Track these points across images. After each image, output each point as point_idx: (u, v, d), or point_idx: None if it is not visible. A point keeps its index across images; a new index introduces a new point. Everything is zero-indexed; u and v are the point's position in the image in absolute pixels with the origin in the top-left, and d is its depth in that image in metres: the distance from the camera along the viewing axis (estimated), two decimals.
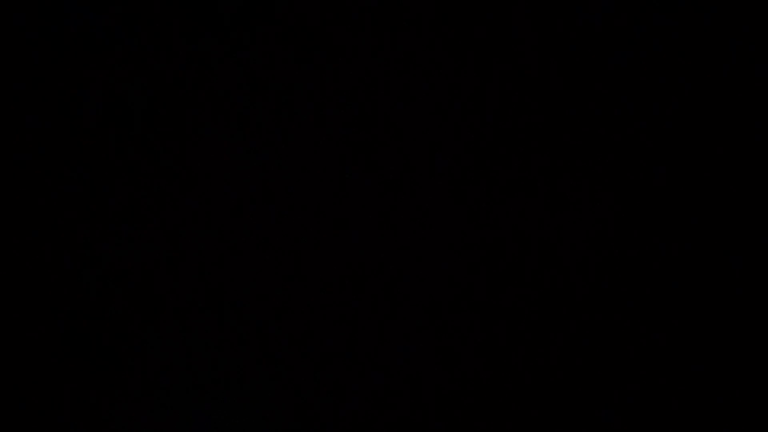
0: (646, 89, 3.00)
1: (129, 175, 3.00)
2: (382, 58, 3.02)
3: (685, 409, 2.94)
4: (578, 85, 3.00)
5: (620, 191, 2.99)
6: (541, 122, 3.00)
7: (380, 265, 2.99)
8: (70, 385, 2.96)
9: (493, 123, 3.00)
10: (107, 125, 3.01)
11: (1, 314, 2.98)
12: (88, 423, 2.96)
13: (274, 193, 3.00)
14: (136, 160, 3.00)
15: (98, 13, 3.00)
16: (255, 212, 3.00)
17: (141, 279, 2.98)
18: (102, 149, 3.01)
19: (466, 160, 3.00)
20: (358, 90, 3.01)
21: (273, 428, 2.96)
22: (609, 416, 2.95)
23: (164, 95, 3.01)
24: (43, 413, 2.96)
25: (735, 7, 2.99)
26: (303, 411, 2.97)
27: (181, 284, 2.98)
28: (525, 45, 3.00)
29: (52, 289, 2.98)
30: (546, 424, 2.95)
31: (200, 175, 3.01)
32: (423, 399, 2.97)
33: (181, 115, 3.01)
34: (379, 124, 3.01)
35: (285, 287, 2.99)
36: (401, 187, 3.00)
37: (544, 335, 2.97)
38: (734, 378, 2.95)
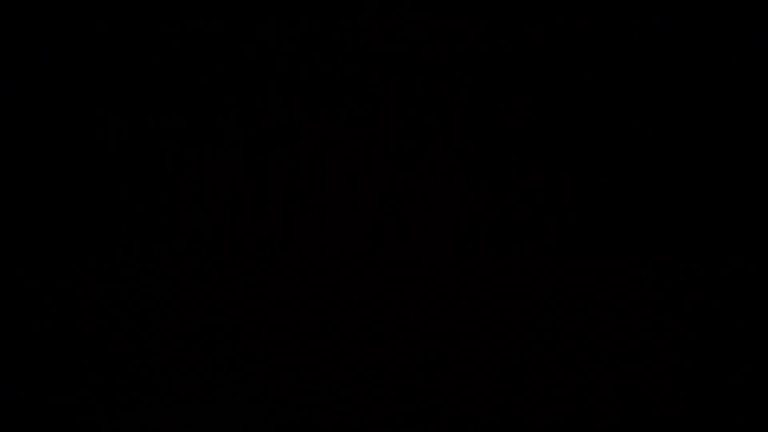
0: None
1: (128, 175, 3.00)
2: (382, 57, 3.02)
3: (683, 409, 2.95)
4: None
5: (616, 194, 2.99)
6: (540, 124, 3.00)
7: (377, 266, 2.99)
8: (69, 385, 2.97)
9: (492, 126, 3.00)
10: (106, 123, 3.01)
11: (1, 315, 2.98)
12: (88, 423, 2.96)
13: (271, 195, 3.00)
14: (133, 161, 3.00)
15: (99, 12, 3.01)
16: (254, 213, 3.01)
17: (140, 280, 2.98)
18: (100, 148, 3.01)
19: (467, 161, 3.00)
20: (358, 89, 3.01)
21: (273, 428, 2.96)
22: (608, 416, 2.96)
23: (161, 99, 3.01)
24: (43, 414, 2.96)
25: (735, 7, 2.99)
26: (302, 411, 2.97)
27: (180, 286, 2.98)
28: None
29: (52, 290, 2.99)
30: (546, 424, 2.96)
31: (199, 175, 3.01)
32: (421, 399, 2.97)
33: (178, 118, 3.01)
34: (378, 123, 3.01)
35: (283, 288, 2.99)
36: (396, 187, 3.01)
37: (543, 337, 2.97)
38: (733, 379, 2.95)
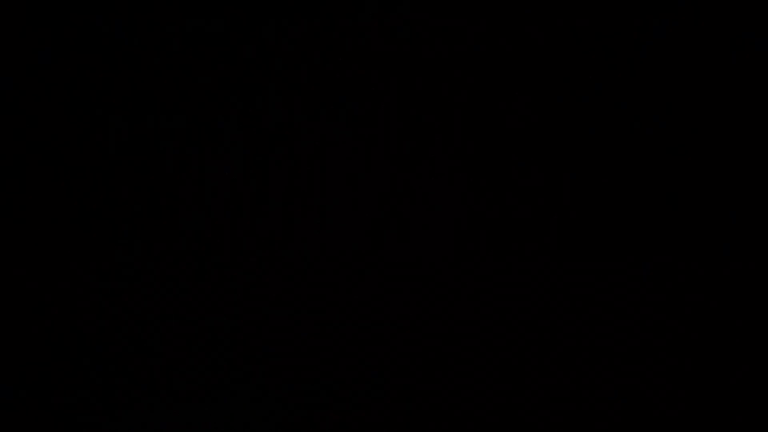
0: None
1: (128, 175, 3.00)
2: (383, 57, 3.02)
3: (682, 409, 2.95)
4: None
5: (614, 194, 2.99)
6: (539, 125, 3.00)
7: (377, 266, 2.99)
8: (69, 385, 2.97)
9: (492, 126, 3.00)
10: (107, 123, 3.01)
11: (1, 315, 2.98)
12: (88, 423, 2.96)
13: (271, 195, 3.00)
14: (134, 161, 3.01)
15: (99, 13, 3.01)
16: (254, 213, 3.01)
17: (140, 280, 2.98)
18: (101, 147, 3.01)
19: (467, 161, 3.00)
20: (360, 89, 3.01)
21: (272, 428, 2.96)
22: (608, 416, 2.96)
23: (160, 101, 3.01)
24: (43, 414, 2.96)
25: (735, 7, 2.99)
26: (302, 411, 2.97)
27: (180, 286, 2.98)
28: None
29: (52, 290, 2.99)
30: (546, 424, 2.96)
31: (199, 175, 3.01)
32: (420, 399, 2.97)
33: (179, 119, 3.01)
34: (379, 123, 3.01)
35: (283, 288, 2.99)
36: (396, 187, 3.01)
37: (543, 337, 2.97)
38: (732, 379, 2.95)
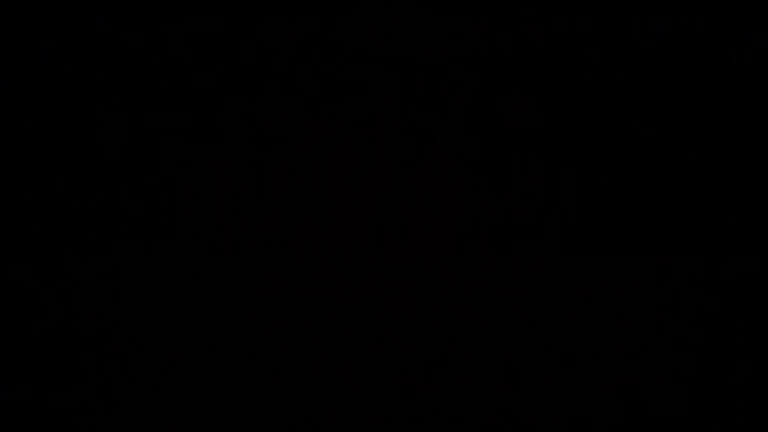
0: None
1: (128, 175, 3.00)
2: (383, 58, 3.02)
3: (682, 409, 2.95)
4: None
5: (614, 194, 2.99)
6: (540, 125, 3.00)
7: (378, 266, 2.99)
8: (69, 385, 2.97)
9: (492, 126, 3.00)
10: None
11: (1, 315, 2.98)
12: (88, 423, 2.96)
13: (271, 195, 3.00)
14: (134, 160, 3.01)
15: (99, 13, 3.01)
16: (254, 213, 3.01)
17: (140, 280, 2.98)
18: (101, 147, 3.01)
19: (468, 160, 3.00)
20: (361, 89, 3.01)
21: (272, 428, 2.96)
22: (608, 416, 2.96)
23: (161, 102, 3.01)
24: (43, 414, 2.96)
25: (735, 7, 2.99)
26: (302, 411, 2.97)
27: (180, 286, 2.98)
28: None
29: (52, 290, 2.99)
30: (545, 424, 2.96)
31: (199, 175, 3.01)
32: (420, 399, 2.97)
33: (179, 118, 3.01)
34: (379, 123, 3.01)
35: (283, 288, 2.99)
36: (396, 186, 3.01)
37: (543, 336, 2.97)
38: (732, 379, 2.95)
